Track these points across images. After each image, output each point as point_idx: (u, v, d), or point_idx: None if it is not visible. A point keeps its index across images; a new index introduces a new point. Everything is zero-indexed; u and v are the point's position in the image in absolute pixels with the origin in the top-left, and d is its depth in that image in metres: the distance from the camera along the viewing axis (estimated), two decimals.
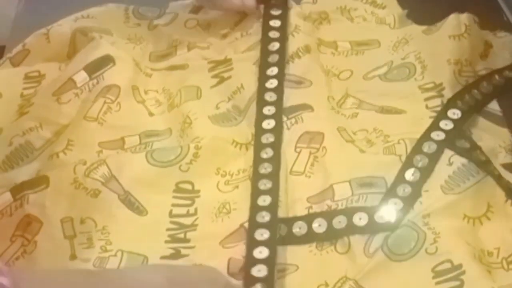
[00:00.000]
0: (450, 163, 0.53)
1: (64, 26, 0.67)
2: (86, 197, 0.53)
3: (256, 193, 0.54)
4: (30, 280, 0.35)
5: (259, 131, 0.59)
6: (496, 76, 0.60)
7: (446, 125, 0.56)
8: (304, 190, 0.54)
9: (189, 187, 0.55)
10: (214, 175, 0.56)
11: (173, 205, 0.54)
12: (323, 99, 0.61)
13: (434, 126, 0.56)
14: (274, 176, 0.55)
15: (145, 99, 0.62)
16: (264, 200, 0.53)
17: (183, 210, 0.54)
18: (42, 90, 0.63)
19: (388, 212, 0.51)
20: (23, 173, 0.57)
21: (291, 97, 0.61)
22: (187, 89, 0.63)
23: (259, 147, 0.58)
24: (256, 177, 0.55)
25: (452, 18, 0.64)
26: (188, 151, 0.56)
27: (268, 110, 0.60)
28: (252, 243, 0.51)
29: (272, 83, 0.62)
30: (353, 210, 0.51)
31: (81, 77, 0.61)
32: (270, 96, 0.61)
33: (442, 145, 0.54)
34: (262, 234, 0.51)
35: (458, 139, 0.55)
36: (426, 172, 0.53)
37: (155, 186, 0.55)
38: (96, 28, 0.66)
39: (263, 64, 0.64)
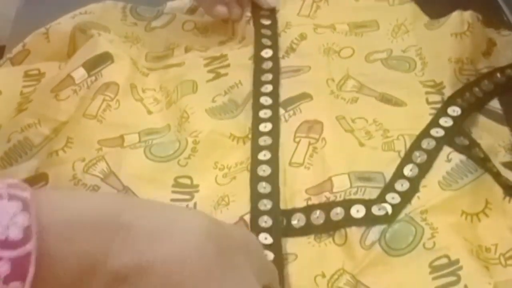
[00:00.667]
0: (449, 159, 0.53)
1: (63, 24, 0.68)
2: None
3: (255, 179, 0.54)
4: (50, 198, 0.34)
5: (256, 120, 0.59)
6: (498, 74, 0.61)
7: (446, 122, 0.56)
8: (303, 181, 0.54)
9: (188, 181, 0.55)
10: (212, 169, 0.56)
11: (172, 200, 0.54)
12: (322, 83, 0.61)
13: (434, 123, 0.57)
14: (273, 163, 0.55)
15: (143, 97, 0.63)
16: (265, 188, 0.54)
17: (182, 205, 0.54)
18: (41, 87, 0.64)
19: (385, 205, 0.51)
20: (22, 170, 0.57)
21: (289, 88, 0.61)
22: (183, 85, 0.63)
23: (257, 134, 0.58)
24: (255, 164, 0.55)
25: (455, 15, 0.64)
26: (187, 146, 0.57)
27: (265, 100, 0.61)
28: (256, 230, 0.51)
29: (267, 77, 0.63)
30: (350, 202, 0.52)
31: (79, 73, 0.62)
32: (266, 88, 0.62)
33: (441, 142, 0.55)
34: (266, 221, 0.51)
35: (457, 136, 0.55)
36: (424, 168, 0.53)
37: (154, 181, 0.55)
38: (95, 24, 0.67)
39: (258, 59, 0.64)
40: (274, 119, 0.59)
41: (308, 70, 0.63)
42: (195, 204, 0.54)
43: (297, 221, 0.52)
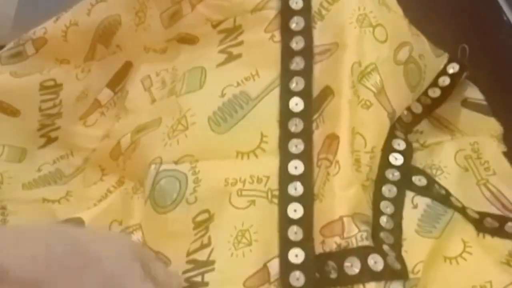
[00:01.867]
0: (415, 205, 0.51)
1: (81, 26, 0.62)
2: None
3: (285, 221, 0.47)
4: None
5: (286, 134, 0.50)
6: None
7: (396, 160, 0.52)
8: (318, 218, 0.48)
9: (206, 216, 0.49)
10: (223, 187, 0.49)
11: (192, 242, 0.49)
12: (347, 70, 0.50)
13: (385, 163, 0.52)
14: (306, 200, 0.48)
15: (153, 82, 0.58)
16: (296, 233, 0.47)
17: (197, 244, 0.48)
18: (67, 112, 0.62)
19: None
20: (51, 192, 0.57)
21: (315, 80, 0.52)
22: (191, 73, 0.55)
23: (286, 157, 0.49)
24: (284, 200, 0.48)
25: None
26: (187, 182, 0.50)
27: (295, 104, 0.51)
28: None
29: (298, 63, 0.52)
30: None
31: (105, 95, 0.61)
32: (296, 83, 0.51)
33: (401, 187, 0.51)
34: (298, 279, 0.45)
35: (414, 175, 0.52)
36: (397, 220, 0.50)
37: (174, 234, 0.50)
38: (109, 21, 0.61)
39: (285, 32, 0.52)
40: (306, 135, 0.50)
41: (335, 50, 0.51)
42: (212, 250, 0.47)
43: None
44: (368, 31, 0.52)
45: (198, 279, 0.46)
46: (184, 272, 0.47)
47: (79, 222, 0.53)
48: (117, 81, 0.62)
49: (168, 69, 0.58)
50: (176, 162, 0.51)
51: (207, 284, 0.46)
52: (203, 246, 0.48)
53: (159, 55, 0.60)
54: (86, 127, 0.61)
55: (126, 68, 0.62)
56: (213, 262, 0.47)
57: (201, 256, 0.47)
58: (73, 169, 0.60)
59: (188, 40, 0.57)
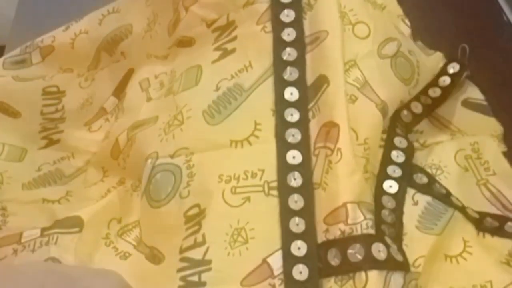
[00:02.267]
0: (415, 202, 0.51)
1: (90, 34, 0.62)
2: (114, 258, 0.52)
3: (286, 213, 0.47)
4: None
5: (282, 123, 0.50)
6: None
7: (398, 157, 0.52)
8: (321, 207, 0.47)
9: (196, 210, 0.48)
10: (216, 183, 0.49)
11: (184, 238, 0.48)
12: (338, 59, 0.51)
13: (387, 159, 0.52)
14: (307, 190, 0.48)
15: (151, 83, 0.59)
16: (298, 224, 0.46)
17: (190, 241, 0.47)
18: (71, 118, 0.62)
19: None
20: (51, 192, 0.58)
21: (309, 68, 0.52)
22: (188, 73, 0.55)
23: (283, 148, 0.49)
24: (284, 191, 0.48)
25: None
26: (182, 174, 0.50)
27: (291, 94, 0.51)
28: (290, 285, 0.44)
29: (291, 54, 0.52)
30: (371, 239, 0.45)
31: (110, 102, 0.62)
32: (290, 73, 0.52)
33: (402, 184, 0.51)
34: (301, 272, 0.45)
35: (415, 173, 0.52)
36: (398, 214, 0.49)
37: (166, 229, 0.50)
38: (120, 31, 0.62)
39: (276, 24, 0.53)
40: (303, 125, 0.50)
41: (325, 37, 0.52)
42: (207, 248, 0.47)
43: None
44: (347, 28, 0.53)
45: (195, 278, 0.46)
46: (179, 270, 0.47)
47: (77, 220, 0.53)
48: (121, 89, 0.62)
49: (167, 72, 0.59)
50: (172, 156, 0.51)
51: (204, 284, 0.46)
52: (197, 244, 0.47)
53: (160, 61, 0.61)
54: (90, 132, 0.62)
55: (129, 75, 0.62)
56: (209, 262, 0.47)
57: (196, 254, 0.47)
58: (74, 169, 0.61)
59: (185, 42, 0.58)
